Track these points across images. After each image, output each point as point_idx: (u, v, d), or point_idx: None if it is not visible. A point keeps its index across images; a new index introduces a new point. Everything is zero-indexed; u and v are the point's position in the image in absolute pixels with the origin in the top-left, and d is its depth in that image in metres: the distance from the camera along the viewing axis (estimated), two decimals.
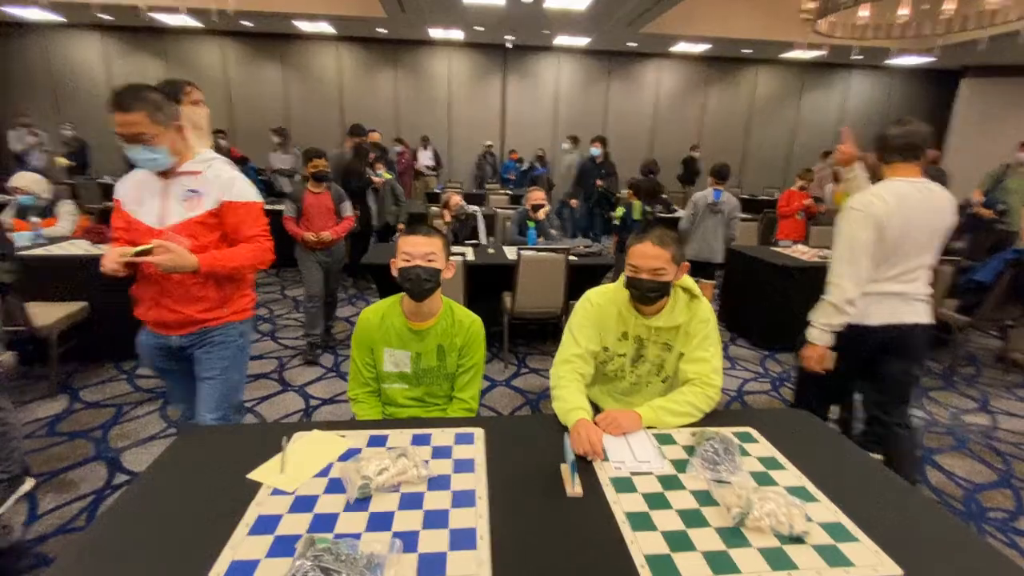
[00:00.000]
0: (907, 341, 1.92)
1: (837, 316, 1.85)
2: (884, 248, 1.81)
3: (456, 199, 4.26)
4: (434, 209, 5.16)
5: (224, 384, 1.72)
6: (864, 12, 5.43)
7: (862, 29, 5.72)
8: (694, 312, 1.54)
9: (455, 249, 3.58)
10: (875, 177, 1.97)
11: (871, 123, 11.06)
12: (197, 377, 1.72)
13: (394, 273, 1.52)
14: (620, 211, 4.90)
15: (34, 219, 3.48)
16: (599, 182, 5.68)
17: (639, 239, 1.49)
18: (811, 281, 3.70)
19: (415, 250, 1.49)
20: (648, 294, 1.47)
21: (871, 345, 1.91)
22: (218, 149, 2.53)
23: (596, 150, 5.82)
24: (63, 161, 7.78)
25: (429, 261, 1.49)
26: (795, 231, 5.25)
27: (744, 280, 4.15)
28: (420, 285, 1.48)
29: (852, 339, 1.89)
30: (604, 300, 1.59)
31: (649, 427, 1.38)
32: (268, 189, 6.66)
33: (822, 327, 1.87)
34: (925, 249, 1.87)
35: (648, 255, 1.44)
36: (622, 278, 1.55)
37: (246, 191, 1.65)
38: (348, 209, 3.55)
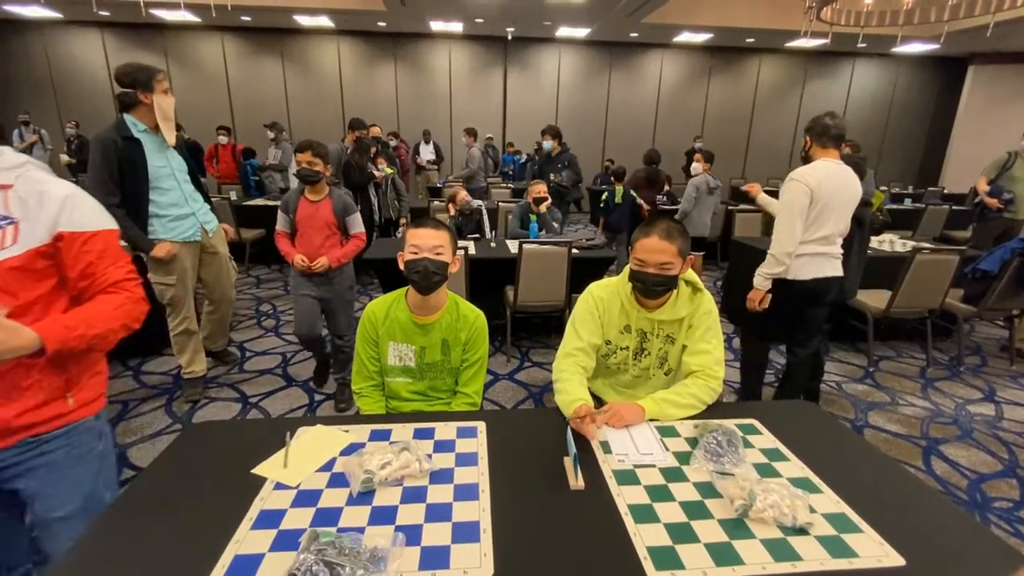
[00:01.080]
0: (828, 289, 2.46)
1: (776, 266, 2.38)
2: (813, 213, 2.32)
3: (463, 194, 4.24)
4: (436, 203, 5.15)
5: (86, 517, 1.16)
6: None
7: (867, 16, 5.65)
8: (697, 305, 1.54)
9: (459, 243, 3.57)
10: (806, 160, 2.46)
11: (877, 111, 10.97)
12: (32, 516, 1.13)
13: (401, 266, 1.51)
14: (606, 196, 5.32)
15: None
16: (553, 176, 5.26)
17: (645, 232, 1.47)
18: None
19: (423, 243, 1.47)
20: (654, 288, 1.45)
21: (803, 294, 2.44)
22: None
23: (548, 143, 5.31)
24: (66, 159, 7.81)
25: (437, 254, 1.48)
26: None
27: (748, 272, 4.11)
28: (428, 278, 1.47)
29: (790, 290, 2.43)
30: (607, 293, 1.58)
31: (652, 419, 1.37)
32: (259, 189, 6.64)
33: (765, 275, 2.43)
34: (842, 218, 2.40)
35: (655, 249, 1.43)
36: (626, 271, 1.54)
37: (92, 214, 1.09)
38: (357, 224, 2.69)
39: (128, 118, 2.36)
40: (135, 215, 2.44)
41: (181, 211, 2.57)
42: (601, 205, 5.37)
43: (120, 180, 2.36)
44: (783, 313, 2.49)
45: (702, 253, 5.02)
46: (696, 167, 4.98)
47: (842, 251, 2.47)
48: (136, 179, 2.39)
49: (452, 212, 4.19)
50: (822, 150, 2.41)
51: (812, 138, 2.44)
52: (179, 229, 2.57)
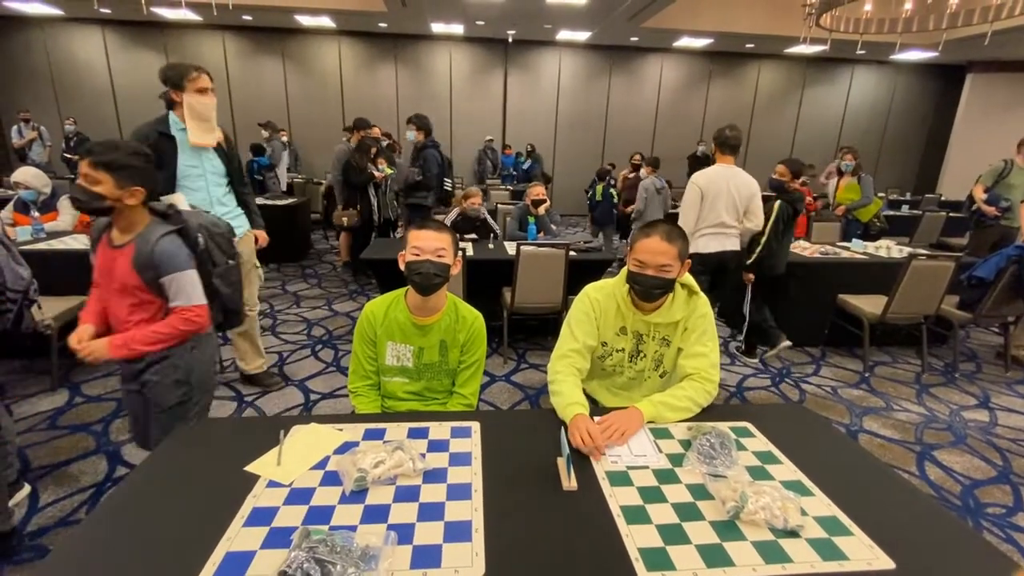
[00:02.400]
0: (730, 258, 3.24)
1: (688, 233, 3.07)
2: (706, 205, 3.11)
3: (476, 200, 4.08)
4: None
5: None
6: (868, 6, 5.40)
7: (865, 23, 5.68)
8: (693, 308, 1.54)
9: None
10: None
11: (875, 118, 11.02)
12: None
13: (401, 266, 1.51)
14: (590, 193, 6.06)
15: (35, 214, 3.49)
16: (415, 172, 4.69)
17: (646, 233, 1.47)
18: (812, 277, 3.73)
19: (426, 244, 1.48)
20: (653, 291, 1.45)
21: (714, 263, 3.21)
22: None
23: (412, 134, 4.78)
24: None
25: (439, 256, 1.48)
26: (797, 228, 5.23)
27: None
28: (429, 280, 1.48)
29: (705, 262, 3.20)
30: (603, 295, 1.58)
31: (648, 422, 1.37)
32: (261, 188, 6.64)
33: (633, 234, 3.09)
34: (732, 207, 3.14)
35: (656, 251, 1.42)
36: (623, 272, 1.55)
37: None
38: (182, 292, 1.58)
39: (171, 115, 2.41)
40: None
41: None
42: (587, 201, 6.16)
43: None
44: (700, 278, 2.89)
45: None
46: (643, 172, 5.72)
47: (739, 232, 3.25)
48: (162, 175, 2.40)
49: (459, 208, 4.14)
50: (721, 156, 3.18)
51: (716, 146, 3.20)
52: None
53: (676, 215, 3.50)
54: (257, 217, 2.79)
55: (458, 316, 1.60)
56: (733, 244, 3.22)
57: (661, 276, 1.43)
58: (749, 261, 3.33)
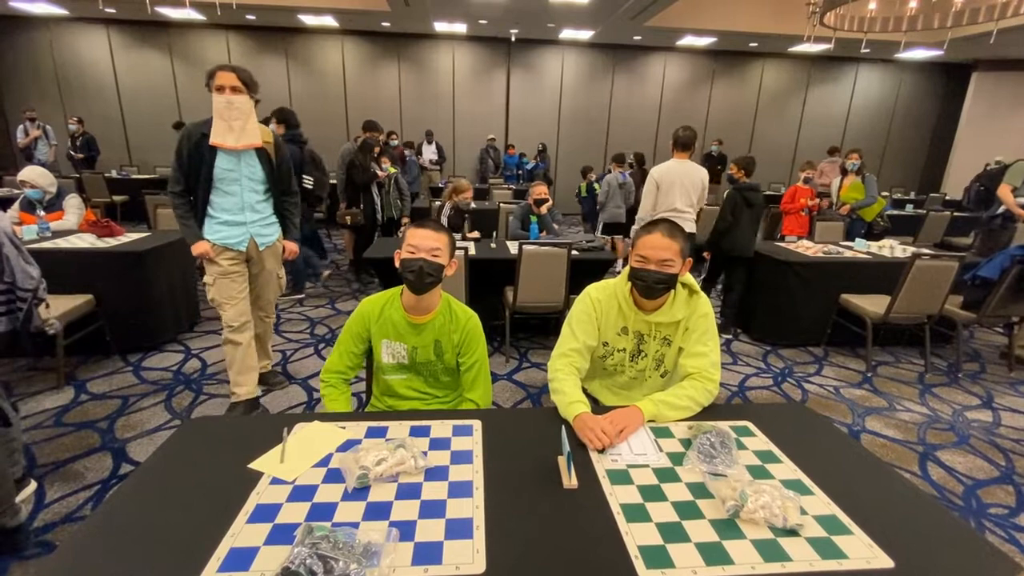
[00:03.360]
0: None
1: (639, 224, 3.45)
2: (661, 194, 3.76)
3: (468, 193, 4.27)
4: (438, 204, 5.17)
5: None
6: (872, 4, 5.37)
7: (870, 22, 5.66)
8: (694, 307, 1.54)
9: (459, 244, 3.58)
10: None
11: (879, 117, 10.97)
12: None
13: (396, 263, 1.52)
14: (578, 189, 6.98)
15: (40, 213, 3.52)
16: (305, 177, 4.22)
17: (648, 230, 1.48)
18: (815, 277, 3.73)
19: (421, 243, 1.48)
20: (655, 286, 1.45)
21: None
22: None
23: (272, 127, 4.17)
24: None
25: (434, 256, 1.49)
26: (800, 227, 5.23)
27: (747, 275, 4.14)
28: (422, 279, 1.48)
29: None
30: (604, 295, 1.59)
31: (649, 421, 1.38)
32: None
33: (633, 230, 3.75)
34: (685, 195, 3.77)
35: (658, 246, 1.43)
36: (624, 272, 1.55)
37: None
38: None
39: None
40: (195, 207, 2.47)
41: (233, 217, 2.50)
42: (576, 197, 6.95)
43: (188, 171, 2.40)
44: None
45: (621, 236, 6.04)
46: (610, 167, 6.30)
47: (694, 215, 3.88)
48: (199, 175, 2.39)
49: (451, 201, 4.21)
50: (675, 152, 3.82)
51: (672, 144, 3.86)
52: (223, 233, 2.50)
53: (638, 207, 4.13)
54: (294, 229, 2.76)
55: (452, 315, 1.61)
56: (688, 227, 3.78)
57: (663, 271, 1.44)
58: (706, 241, 4.14)
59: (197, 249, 2.46)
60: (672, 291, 1.52)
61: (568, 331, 1.58)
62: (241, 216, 2.51)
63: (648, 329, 1.56)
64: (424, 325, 1.58)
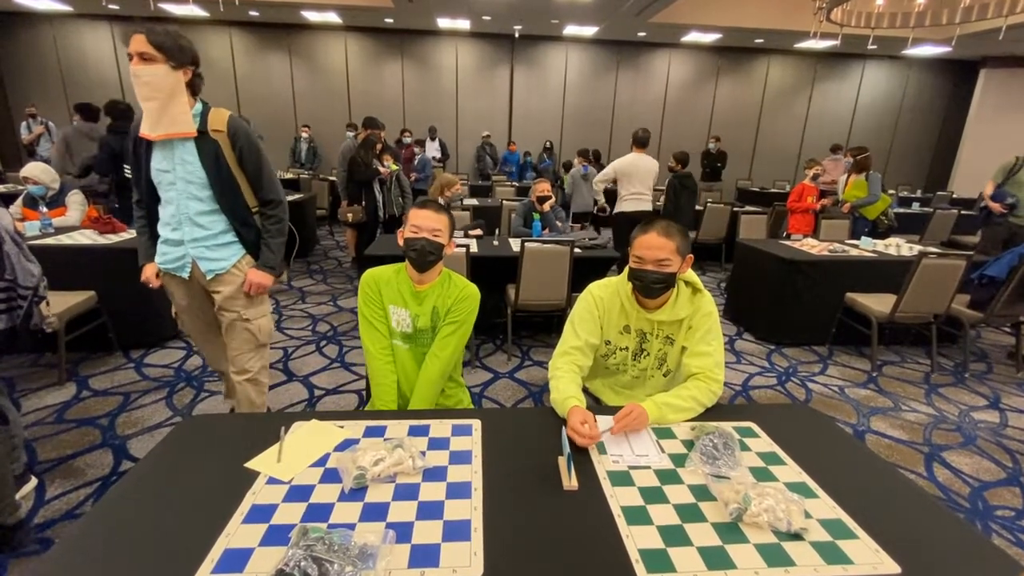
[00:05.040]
0: (642, 216, 3.97)
1: (602, 201, 5.37)
2: (624, 180, 4.76)
3: (458, 187, 4.35)
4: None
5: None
6: (880, 0, 5.31)
7: (877, 17, 5.59)
8: (697, 306, 1.52)
9: (461, 241, 3.56)
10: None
11: (886, 114, 10.88)
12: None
13: (399, 242, 1.63)
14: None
15: (43, 209, 3.52)
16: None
17: (643, 229, 1.47)
18: (820, 275, 3.69)
19: (424, 223, 1.58)
20: (652, 286, 1.44)
21: (632, 220, 4.45)
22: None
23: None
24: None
25: (435, 235, 1.59)
26: (806, 225, 5.19)
27: (752, 274, 4.12)
28: (424, 256, 1.58)
29: (624, 218, 4.82)
30: (606, 293, 1.57)
31: (652, 423, 1.36)
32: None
33: (595, 210, 5.70)
34: (642, 181, 4.76)
35: (653, 245, 1.43)
36: (627, 270, 1.54)
37: None
38: None
39: None
40: (148, 219, 2.01)
41: (171, 234, 1.93)
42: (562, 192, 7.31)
43: (136, 173, 1.94)
44: (622, 232, 4.80)
45: (587, 223, 6.68)
46: (575, 162, 6.73)
47: (651, 196, 4.89)
48: (139, 179, 1.93)
49: (444, 197, 4.28)
50: (634, 148, 4.79)
51: (632, 141, 4.80)
52: (164, 256, 1.99)
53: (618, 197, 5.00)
54: (268, 253, 2.00)
55: (451, 284, 1.69)
56: (646, 205, 4.87)
57: (660, 271, 1.42)
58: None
59: (143, 274, 2.05)
60: (673, 289, 1.50)
61: (570, 329, 1.57)
62: (178, 232, 1.91)
63: (651, 328, 1.54)
64: (424, 293, 1.66)
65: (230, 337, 2.07)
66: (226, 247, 1.97)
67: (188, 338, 2.32)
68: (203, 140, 1.83)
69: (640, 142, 4.78)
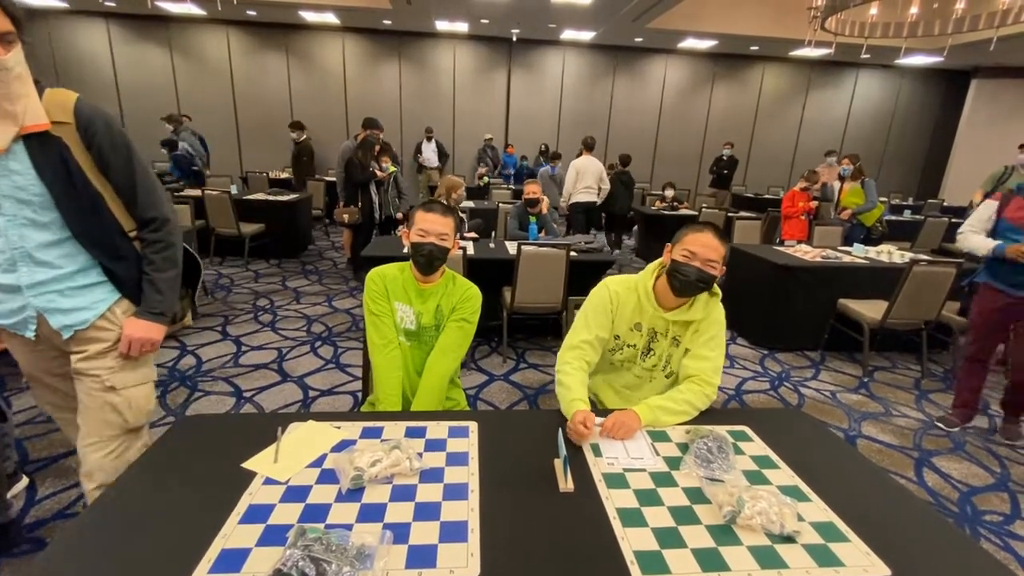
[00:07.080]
0: (591, 206, 5.95)
1: (565, 198, 6.00)
2: (577, 177, 5.84)
3: (461, 191, 4.27)
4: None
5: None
6: (873, 10, 5.38)
7: (871, 27, 5.66)
8: (709, 311, 1.53)
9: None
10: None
11: (879, 122, 11.00)
12: None
13: (405, 243, 1.66)
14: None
15: None
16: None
17: (698, 228, 1.46)
18: (813, 281, 3.73)
19: (431, 228, 1.60)
20: (696, 283, 1.43)
21: (584, 208, 5.92)
22: None
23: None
24: None
25: (442, 239, 1.60)
26: (799, 231, 5.24)
27: (746, 279, 4.15)
28: (431, 262, 1.61)
29: (579, 207, 5.93)
30: (623, 288, 1.57)
31: (645, 427, 1.37)
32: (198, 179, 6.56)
33: (568, 202, 5.99)
34: (591, 179, 5.85)
35: (709, 245, 1.42)
36: (650, 267, 1.54)
37: None
38: None
39: None
40: None
41: (3, 278, 1.26)
42: None
43: None
44: (580, 216, 5.92)
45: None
46: (543, 161, 7.55)
47: (597, 190, 5.88)
48: None
49: (452, 198, 4.23)
50: (584, 151, 5.86)
51: (582, 146, 5.89)
52: None
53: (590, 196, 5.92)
54: (155, 295, 1.39)
55: (454, 284, 1.71)
56: (592, 196, 5.89)
57: (706, 271, 1.42)
58: (600, 203, 6.09)
59: None
60: (706, 291, 1.50)
61: (582, 321, 1.57)
62: (12, 275, 1.26)
63: (664, 327, 1.54)
64: (429, 291, 1.68)
65: (85, 416, 1.42)
66: (88, 291, 1.34)
67: (178, 338, 2.26)
68: (37, 139, 1.23)
69: (588, 146, 5.89)
